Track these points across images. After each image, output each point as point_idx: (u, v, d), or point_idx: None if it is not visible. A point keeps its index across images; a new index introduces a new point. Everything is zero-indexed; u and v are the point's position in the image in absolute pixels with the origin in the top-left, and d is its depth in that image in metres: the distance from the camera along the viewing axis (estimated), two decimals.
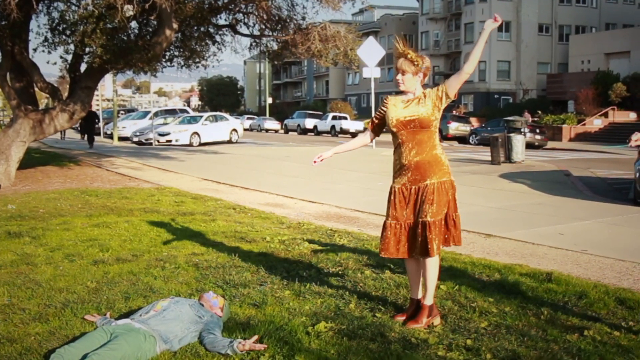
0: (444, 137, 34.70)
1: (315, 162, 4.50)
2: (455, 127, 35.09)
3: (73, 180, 13.51)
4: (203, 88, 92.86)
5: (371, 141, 4.64)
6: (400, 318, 4.31)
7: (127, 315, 4.16)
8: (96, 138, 30.92)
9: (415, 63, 4.14)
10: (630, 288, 5.16)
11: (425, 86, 4.31)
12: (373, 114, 4.54)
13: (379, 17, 67.92)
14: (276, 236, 7.17)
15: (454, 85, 4.14)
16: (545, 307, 4.59)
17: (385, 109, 4.32)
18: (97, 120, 28.87)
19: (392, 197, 4.27)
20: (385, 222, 4.30)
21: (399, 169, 4.25)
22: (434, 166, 4.15)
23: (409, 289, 4.59)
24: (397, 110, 4.22)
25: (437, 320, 4.26)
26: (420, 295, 4.40)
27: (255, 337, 3.77)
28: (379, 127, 4.44)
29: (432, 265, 4.22)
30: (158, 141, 28.27)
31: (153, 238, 6.98)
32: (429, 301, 4.28)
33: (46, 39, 13.46)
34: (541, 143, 29.55)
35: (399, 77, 4.20)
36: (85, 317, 4.24)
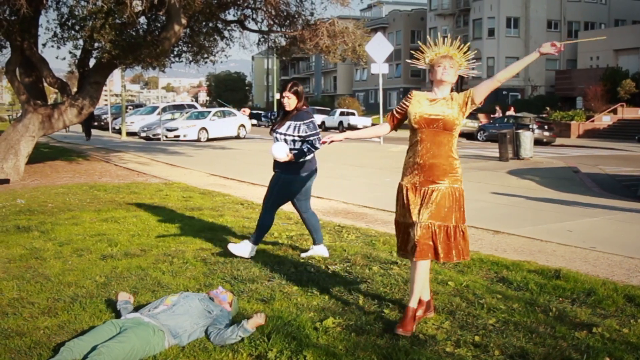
0: None
1: (324, 142, 4.37)
2: (463, 124, 34.94)
3: (82, 175, 13.57)
4: (211, 84, 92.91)
5: (387, 133, 4.45)
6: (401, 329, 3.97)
7: (135, 309, 4.17)
8: (104, 133, 31.64)
9: (459, 62, 4.15)
10: (639, 285, 5.14)
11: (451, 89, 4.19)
12: (395, 107, 4.40)
13: (387, 13, 67.77)
14: (284, 232, 7.18)
15: (482, 91, 4.05)
16: (553, 303, 4.58)
17: (408, 104, 4.17)
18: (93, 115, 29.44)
19: (400, 196, 4.15)
20: (395, 221, 4.24)
21: (412, 167, 4.09)
22: (448, 171, 4.01)
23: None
24: (421, 106, 4.08)
25: (430, 314, 4.28)
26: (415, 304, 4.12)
27: (259, 313, 3.93)
28: (400, 121, 4.28)
29: (422, 268, 4.01)
30: (166, 136, 28.34)
31: (161, 233, 7.01)
32: (413, 304, 4.05)
33: (55, 34, 13.51)
34: (549, 139, 29.41)
35: (441, 68, 4.05)
36: (120, 294, 4.38)
